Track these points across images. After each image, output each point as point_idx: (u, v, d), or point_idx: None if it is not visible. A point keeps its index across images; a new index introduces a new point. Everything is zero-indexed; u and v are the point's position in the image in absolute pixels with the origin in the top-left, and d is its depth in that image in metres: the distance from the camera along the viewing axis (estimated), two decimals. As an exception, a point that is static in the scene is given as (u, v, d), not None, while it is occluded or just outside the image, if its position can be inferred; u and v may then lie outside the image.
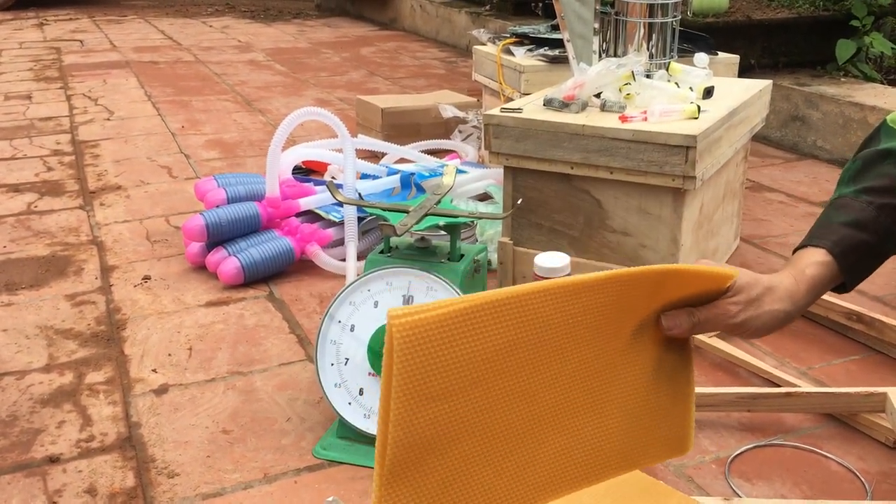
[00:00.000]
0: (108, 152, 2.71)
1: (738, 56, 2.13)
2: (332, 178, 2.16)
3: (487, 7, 4.77)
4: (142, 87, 3.73)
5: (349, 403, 1.19)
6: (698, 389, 1.27)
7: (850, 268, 0.85)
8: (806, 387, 1.29)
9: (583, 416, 0.76)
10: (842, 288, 0.88)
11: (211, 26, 5.73)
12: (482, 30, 2.43)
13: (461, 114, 2.62)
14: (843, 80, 2.85)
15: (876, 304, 1.64)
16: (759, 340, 1.51)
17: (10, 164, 2.60)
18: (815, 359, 1.45)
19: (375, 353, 1.18)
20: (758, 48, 2.88)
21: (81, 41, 5.04)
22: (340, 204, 1.87)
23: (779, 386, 1.32)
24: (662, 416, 0.83)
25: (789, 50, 2.97)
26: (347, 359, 1.20)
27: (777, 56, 2.94)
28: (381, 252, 1.25)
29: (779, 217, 2.14)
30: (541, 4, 4.40)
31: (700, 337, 1.45)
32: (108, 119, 3.14)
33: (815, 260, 0.86)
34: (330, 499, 1.02)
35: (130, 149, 2.75)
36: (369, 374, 1.19)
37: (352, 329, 1.21)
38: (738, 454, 1.19)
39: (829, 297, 1.53)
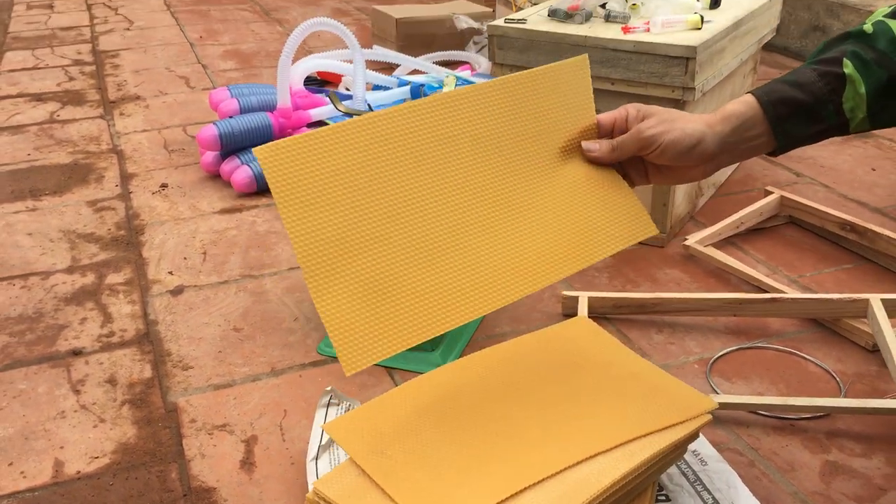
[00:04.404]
0: (127, 62, 2.75)
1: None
2: (346, 88, 2.19)
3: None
4: (161, -4, 3.73)
5: (351, 304, 1.26)
6: (686, 294, 1.32)
7: (779, 119, 0.86)
8: (791, 293, 1.33)
9: (513, 217, 0.85)
10: (775, 149, 0.89)
11: (231, -67, 5.65)
12: (496, -62, 2.40)
13: (476, 24, 2.61)
14: (867, -12, 2.79)
15: (876, 216, 1.67)
16: (752, 248, 1.55)
17: (32, 73, 2.65)
18: (808, 267, 1.49)
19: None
20: (781, -44, 2.81)
21: (101, -51, 5.00)
22: (349, 115, 1.91)
23: (767, 292, 1.37)
24: (611, 208, 0.90)
25: (814, -43, 2.89)
26: (349, 262, 1.26)
27: (801, -36, 2.87)
28: (382, 160, 1.29)
29: (789, 129, 2.14)
30: None
31: (694, 245, 1.49)
32: (128, 29, 3.17)
33: (738, 100, 0.89)
34: (328, 388, 1.10)
35: (149, 59, 2.78)
36: (370, 276, 1.25)
37: (354, 234, 1.26)
38: (720, 355, 1.25)
39: (824, 207, 1.56)
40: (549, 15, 1.58)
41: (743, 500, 0.96)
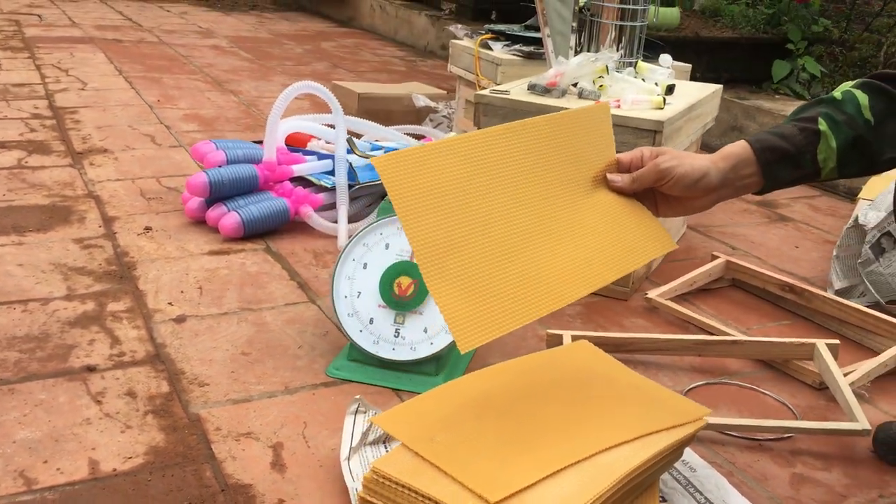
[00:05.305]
0: (88, 119, 2.80)
1: (690, 65, 2.37)
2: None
3: (447, 11, 4.97)
4: (110, 62, 3.80)
5: (360, 331, 1.35)
6: (657, 335, 1.48)
7: (768, 163, 1.03)
8: (748, 337, 1.51)
9: (567, 231, 0.99)
10: (762, 188, 1.07)
11: (169, 11, 5.78)
12: (459, 26, 2.62)
13: (432, 104, 2.80)
14: (777, 96, 3.14)
15: (804, 283, 1.88)
16: (703, 305, 1.72)
17: (-8, 123, 2.67)
18: (753, 321, 1.68)
19: (385, 286, 1.34)
20: (703, 63, 3.14)
21: (40, 16, 5.04)
22: (331, 172, 2.03)
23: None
24: (638, 227, 1.05)
25: (731, 67, 3.24)
26: (360, 292, 1.36)
27: (720, 71, 3.21)
28: (393, 201, 1.41)
29: (719, 211, 2.38)
30: (495, 13, 4.63)
31: (656, 298, 1.66)
32: (83, 89, 3.22)
33: (735, 144, 1.06)
34: (357, 396, 1.18)
35: (110, 117, 2.84)
36: (379, 305, 1.35)
37: (364, 267, 1.37)
38: (690, 388, 1.40)
39: (766, 270, 1.77)
40: (528, 89, 1.76)
41: (733, 498, 1.09)
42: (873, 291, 1.73)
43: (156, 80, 3.50)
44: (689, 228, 2.19)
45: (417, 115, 2.81)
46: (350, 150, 2.21)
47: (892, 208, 1.68)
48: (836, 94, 1.07)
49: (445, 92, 2.98)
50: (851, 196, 2.59)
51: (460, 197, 0.92)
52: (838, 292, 1.78)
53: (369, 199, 2.07)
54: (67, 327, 1.44)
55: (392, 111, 2.83)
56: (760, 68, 3.24)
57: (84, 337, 1.41)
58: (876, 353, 1.52)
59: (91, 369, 1.31)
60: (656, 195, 1.07)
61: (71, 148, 2.46)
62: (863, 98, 1.05)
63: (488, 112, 1.73)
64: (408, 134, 2.46)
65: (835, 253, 1.83)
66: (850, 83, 1.08)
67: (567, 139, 1.05)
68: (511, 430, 0.99)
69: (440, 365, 1.35)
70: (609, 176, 1.06)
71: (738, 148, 1.05)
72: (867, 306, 1.65)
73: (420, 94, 2.83)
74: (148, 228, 1.90)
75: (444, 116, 2.76)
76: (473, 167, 0.94)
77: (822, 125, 1.04)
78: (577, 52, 1.96)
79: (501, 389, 1.08)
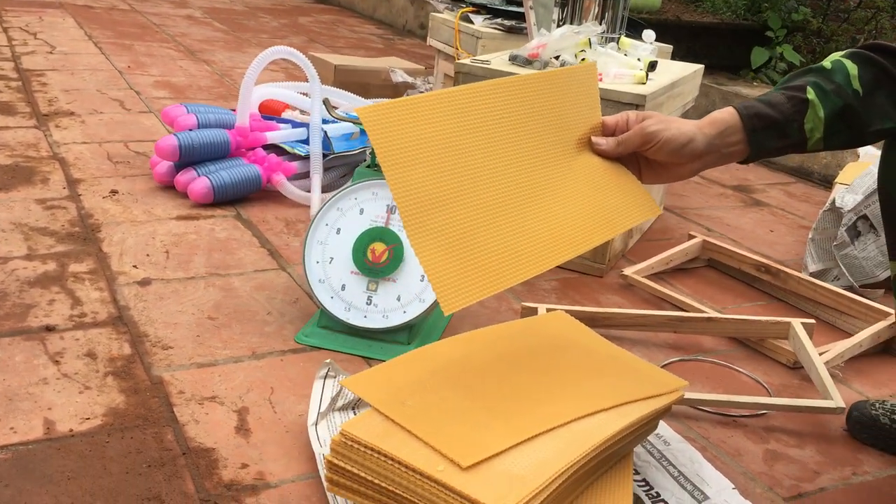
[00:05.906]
0: (55, 82, 2.72)
1: (671, 46, 2.35)
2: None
3: (426, -10, 4.91)
4: (80, 27, 3.70)
5: (331, 297, 1.32)
6: (632, 311, 1.46)
7: (754, 130, 1.01)
8: (724, 315, 1.49)
9: (551, 192, 0.96)
10: (747, 157, 1.05)
11: (143, -20, 5.66)
12: (439, -2, 2.58)
13: (410, 79, 2.76)
14: (755, 84, 3.13)
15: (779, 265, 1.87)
16: (679, 284, 1.71)
17: (-46, 82, 2.58)
18: (728, 301, 1.67)
19: (359, 252, 1.31)
20: (683, 47, 3.12)
21: (8, -21, 4.91)
22: (305, 140, 1.99)
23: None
24: (622, 192, 1.01)
25: (710, 52, 3.23)
26: (332, 258, 1.33)
27: (699, 57, 3.19)
28: (368, 166, 1.38)
29: (696, 194, 2.37)
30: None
31: (632, 275, 1.64)
32: (51, 53, 3.13)
33: (722, 110, 1.04)
34: (327, 361, 1.15)
35: (78, 81, 2.76)
36: (352, 272, 1.32)
37: (338, 232, 1.33)
38: (665, 364, 1.38)
39: (742, 250, 1.75)
40: (510, 59, 1.73)
41: (707, 471, 1.07)
42: (847, 275, 1.72)
43: (127, 46, 3.42)
44: (665, 210, 2.17)
45: (394, 90, 2.77)
46: (330, 119, 2.17)
47: (870, 191, 1.68)
48: (826, 63, 1.05)
49: (423, 68, 2.94)
50: (826, 183, 2.60)
51: (446, 152, 0.88)
52: (813, 275, 1.77)
53: (343, 169, 2.03)
54: (27, 287, 1.39)
55: (369, 84, 2.79)
56: (739, 54, 3.24)
57: (44, 297, 1.36)
58: (849, 335, 1.51)
59: (50, 329, 1.27)
60: (640, 161, 1.05)
61: (36, 110, 2.39)
62: (852, 68, 1.03)
63: (468, 81, 1.69)
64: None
65: (810, 236, 1.82)
66: (840, 53, 1.06)
67: (554, 98, 1.02)
68: (484, 396, 0.96)
69: (412, 334, 1.32)
70: (594, 139, 1.04)
71: (726, 114, 1.03)
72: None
73: (398, 68, 2.78)
74: (114, 192, 1.84)
75: (421, 92, 2.71)
76: (460, 122, 0.90)
77: (811, 94, 1.02)
78: (559, 26, 1.93)
79: (475, 356, 1.05)
